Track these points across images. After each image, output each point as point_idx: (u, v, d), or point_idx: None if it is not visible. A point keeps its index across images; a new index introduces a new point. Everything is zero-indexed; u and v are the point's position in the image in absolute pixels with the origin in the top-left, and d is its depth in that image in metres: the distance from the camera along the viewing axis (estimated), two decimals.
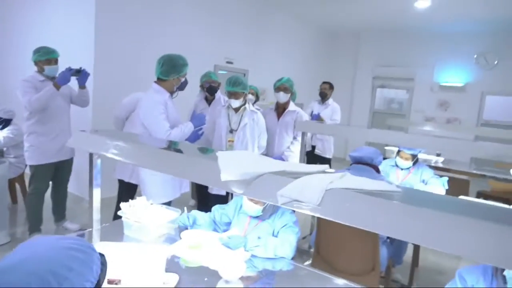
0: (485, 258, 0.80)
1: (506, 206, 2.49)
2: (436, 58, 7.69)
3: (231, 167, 1.22)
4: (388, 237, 2.81)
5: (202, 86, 3.83)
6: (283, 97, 3.57)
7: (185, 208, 2.08)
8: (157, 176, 2.50)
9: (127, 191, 3.25)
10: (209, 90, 3.73)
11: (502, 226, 0.79)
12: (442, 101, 7.75)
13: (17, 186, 4.07)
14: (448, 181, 3.19)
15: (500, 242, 0.78)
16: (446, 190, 3.16)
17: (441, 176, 3.34)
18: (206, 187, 3.26)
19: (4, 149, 3.81)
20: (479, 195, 4.37)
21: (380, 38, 8.30)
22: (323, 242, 2.47)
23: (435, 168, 4.70)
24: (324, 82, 5.10)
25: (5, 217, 3.26)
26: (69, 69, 3.04)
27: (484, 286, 1.48)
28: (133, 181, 3.27)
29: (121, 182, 3.34)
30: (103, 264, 0.89)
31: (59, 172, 3.40)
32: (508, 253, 0.76)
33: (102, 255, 0.91)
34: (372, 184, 1.11)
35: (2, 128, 3.77)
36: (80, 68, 3.15)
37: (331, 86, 5.05)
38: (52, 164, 3.26)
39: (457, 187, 3.54)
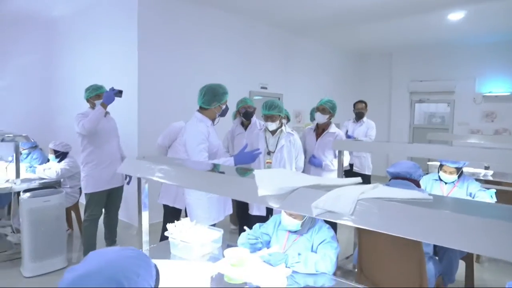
0: None
1: None
2: (476, 69, 7.43)
3: (267, 183, 1.31)
4: (435, 254, 2.71)
5: (238, 112, 3.99)
6: (319, 117, 3.64)
7: (246, 228, 2.18)
8: (202, 200, 2.62)
9: (172, 215, 3.40)
10: (245, 115, 3.88)
11: None
12: (487, 111, 7.41)
13: (73, 214, 4.40)
14: (497, 194, 3.03)
15: None
16: (495, 202, 3.01)
17: (489, 189, 3.19)
18: (247, 209, 3.35)
19: (61, 180, 4.16)
20: None
21: (413, 54, 8.20)
22: (366, 260, 2.43)
23: (484, 181, 4.46)
24: (358, 102, 5.12)
25: (64, 243, 3.53)
26: (112, 89, 3.34)
27: None
28: (177, 206, 3.43)
29: (165, 207, 3.51)
30: (157, 272, 1.01)
31: (111, 199, 3.66)
32: None
33: (155, 265, 1.02)
34: (404, 193, 1.14)
35: (60, 161, 4.14)
36: (121, 90, 3.44)
37: (366, 105, 5.07)
38: (105, 191, 3.53)
39: (506, 199, 3.35)
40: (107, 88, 3.55)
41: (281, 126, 3.19)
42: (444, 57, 7.79)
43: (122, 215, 5.00)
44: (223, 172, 1.61)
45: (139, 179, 1.99)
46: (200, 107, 2.68)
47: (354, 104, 5.13)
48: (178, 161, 2.05)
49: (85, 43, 5.52)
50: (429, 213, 0.98)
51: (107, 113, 3.46)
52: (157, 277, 1.01)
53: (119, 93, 3.42)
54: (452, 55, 7.68)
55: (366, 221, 1.05)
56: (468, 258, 3.10)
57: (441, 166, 3.24)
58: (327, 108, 3.58)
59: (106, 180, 3.50)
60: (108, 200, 3.64)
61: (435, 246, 2.70)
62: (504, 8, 5.21)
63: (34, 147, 4.67)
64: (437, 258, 2.75)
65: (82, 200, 4.93)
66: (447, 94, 7.85)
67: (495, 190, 3.07)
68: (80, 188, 4.43)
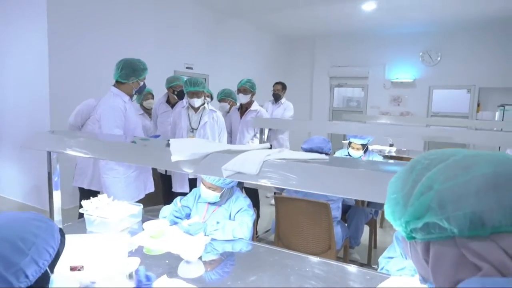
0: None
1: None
2: (386, 57, 8.19)
3: (181, 150, 1.35)
4: (343, 218, 3.02)
5: (171, 89, 3.86)
6: (242, 98, 3.87)
7: (177, 201, 2.19)
8: (120, 178, 2.55)
9: (88, 198, 3.24)
10: (180, 93, 3.79)
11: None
12: (394, 96, 8.26)
13: None
14: None
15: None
16: None
17: None
18: (171, 188, 3.35)
19: None
20: None
21: (334, 41, 8.72)
22: (282, 227, 2.62)
23: (389, 157, 5.04)
24: (276, 83, 5.15)
25: None
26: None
27: None
28: (93, 188, 3.27)
29: (81, 190, 3.32)
30: (62, 236, 0.99)
31: None
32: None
33: (61, 229, 1.00)
34: (305, 155, 1.27)
35: None
36: None
37: (284, 87, 5.11)
38: None
39: None
40: (13, 59, 3.20)
41: (204, 104, 3.22)
42: (360, 44, 8.43)
43: (34, 201, 4.63)
44: (135, 142, 1.60)
45: (48, 155, 1.88)
46: (117, 82, 2.57)
47: (273, 86, 5.20)
48: (92, 135, 1.98)
49: None
50: (325, 169, 1.12)
51: None
52: (62, 241, 0.99)
53: None
54: (366, 43, 8.34)
55: (270, 179, 1.16)
56: (372, 223, 3.50)
57: (349, 143, 3.58)
58: (247, 88, 3.82)
59: None
60: None
61: (343, 213, 3.00)
62: (411, 2, 5.80)
63: None
64: (346, 224, 3.07)
65: None
66: (361, 79, 8.54)
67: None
68: None
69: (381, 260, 1.76)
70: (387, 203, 0.65)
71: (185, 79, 3.36)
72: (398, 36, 7.97)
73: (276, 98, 5.08)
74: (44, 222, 0.93)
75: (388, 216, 0.65)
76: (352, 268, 1.70)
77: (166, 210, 2.18)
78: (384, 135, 4.84)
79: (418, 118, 7.48)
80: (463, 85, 7.60)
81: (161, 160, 1.37)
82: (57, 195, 2.01)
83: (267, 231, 3.79)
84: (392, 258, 1.72)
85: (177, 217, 2.12)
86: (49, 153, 1.84)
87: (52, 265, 0.93)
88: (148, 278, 1.35)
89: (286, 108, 5.01)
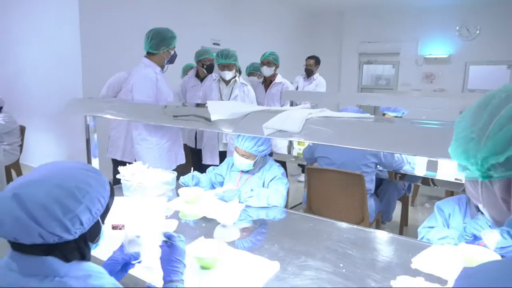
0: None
1: None
2: (419, 31, 7.79)
3: (220, 109, 1.33)
4: (376, 194, 2.96)
5: (200, 62, 3.83)
6: (266, 70, 3.88)
7: (192, 168, 2.19)
8: (153, 149, 2.58)
9: None
10: (209, 67, 3.77)
11: None
12: (427, 73, 7.90)
13: (13, 173, 4.13)
14: None
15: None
16: None
17: None
18: (200, 161, 3.38)
19: None
20: None
21: (364, 15, 8.37)
22: (313, 198, 2.60)
23: None
24: (309, 57, 4.96)
25: None
26: None
27: (459, 213, 1.61)
28: (126, 159, 3.34)
29: (114, 161, 3.41)
30: (111, 188, 1.00)
31: None
32: None
33: (109, 182, 1.01)
34: (348, 114, 1.22)
35: None
36: None
37: (317, 61, 4.95)
38: None
39: None
40: (45, 34, 3.24)
41: (235, 76, 3.19)
42: (392, 19, 8.05)
43: None
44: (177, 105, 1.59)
45: (86, 121, 1.92)
46: (148, 53, 2.56)
47: (306, 60, 5.02)
48: (126, 102, 1.99)
49: None
50: (372, 125, 1.07)
51: None
52: (112, 193, 1.01)
53: None
54: (398, 17, 7.96)
55: (314, 136, 1.12)
56: (404, 199, 3.41)
57: (383, 115, 3.46)
58: (271, 61, 3.81)
59: None
60: None
61: (376, 187, 2.94)
62: None
63: None
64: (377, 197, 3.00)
65: (24, 160, 4.67)
66: (392, 55, 8.20)
67: None
68: (21, 146, 4.15)
69: (421, 230, 1.70)
70: (455, 144, 0.60)
71: (215, 52, 3.34)
72: (433, 9, 7.54)
73: (309, 73, 4.91)
74: (96, 173, 0.94)
75: (457, 157, 0.60)
76: (391, 236, 1.66)
77: (204, 179, 2.18)
78: (417, 107, 4.65)
79: (453, 94, 7.14)
80: (503, 61, 7.15)
81: (198, 121, 1.35)
82: (95, 163, 2.07)
83: (294, 206, 3.77)
84: (432, 227, 1.66)
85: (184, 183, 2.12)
86: (87, 119, 1.88)
87: (103, 216, 0.95)
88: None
89: (318, 85, 4.84)
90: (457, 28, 7.42)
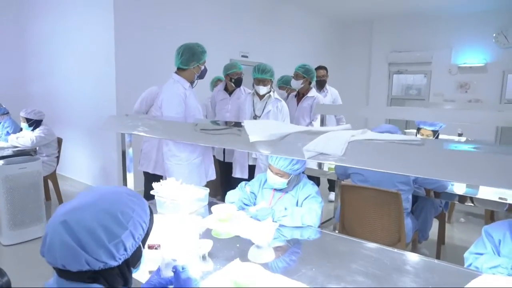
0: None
1: None
2: (453, 39, 7.54)
3: (258, 130, 1.30)
4: (412, 211, 2.83)
5: (228, 76, 3.86)
6: (294, 83, 3.85)
7: (243, 186, 2.18)
8: (182, 165, 2.57)
9: (152, 183, 3.35)
10: (237, 81, 3.78)
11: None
12: (462, 82, 7.60)
13: (50, 184, 4.28)
14: None
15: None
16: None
17: None
18: (231, 173, 3.37)
19: (37, 148, 4.02)
20: None
21: (393, 24, 8.20)
22: (347, 216, 2.51)
23: None
24: (319, 68, 4.48)
25: (42, 211, 3.46)
26: None
27: (510, 240, 1.50)
28: (157, 172, 3.37)
29: (146, 174, 3.45)
30: (151, 212, 1.00)
31: None
32: None
33: (149, 205, 1.01)
34: (392, 136, 1.17)
35: (34, 129, 3.98)
36: None
37: (327, 71, 4.61)
38: None
39: None
40: (80, 52, 3.36)
41: (269, 92, 3.18)
42: (423, 27, 7.85)
43: (102, 184, 4.93)
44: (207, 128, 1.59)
45: (123, 137, 1.95)
46: (178, 69, 2.57)
47: (316, 71, 4.24)
48: (159, 118, 2.01)
49: (59, 6, 5.21)
50: (418, 149, 1.01)
51: None
52: (151, 217, 1.00)
53: None
54: (430, 24, 7.74)
55: (357, 160, 1.08)
56: (441, 217, 3.26)
57: (418, 129, 3.33)
58: (300, 74, 3.75)
59: None
60: None
61: (412, 204, 2.81)
62: None
63: (5, 114, 4.46)
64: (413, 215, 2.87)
65: (60, 171, 4.84)
66: (424, 65, 7.96)
67: None
68: (57, 157, 4.30)
69: (468, 255, 1.60)
70: None
71: (242, 66, 3.33)
72: (468, 16, 7.28)
73: (321, 84, 4.49)
74: (138, 198, 0.94)
75: None
76: (436, 263, 1.56)
77: (232, 195, 2.16)
78: (451, 121, 4.43)
79: (489, 105, 6.82)
80: None
81: (237, 140, 1.33)
82: (130, 177, 2.09)
83: (325, 222, 3.68)
84: (481, 254, 1.55)
85: (246, 204, 2.10)
86: (123, 135, 1.91)
87: (143, 241, 0.94)
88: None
89: (335, 97, 4.57)
90: (494, 35, 7.13)
